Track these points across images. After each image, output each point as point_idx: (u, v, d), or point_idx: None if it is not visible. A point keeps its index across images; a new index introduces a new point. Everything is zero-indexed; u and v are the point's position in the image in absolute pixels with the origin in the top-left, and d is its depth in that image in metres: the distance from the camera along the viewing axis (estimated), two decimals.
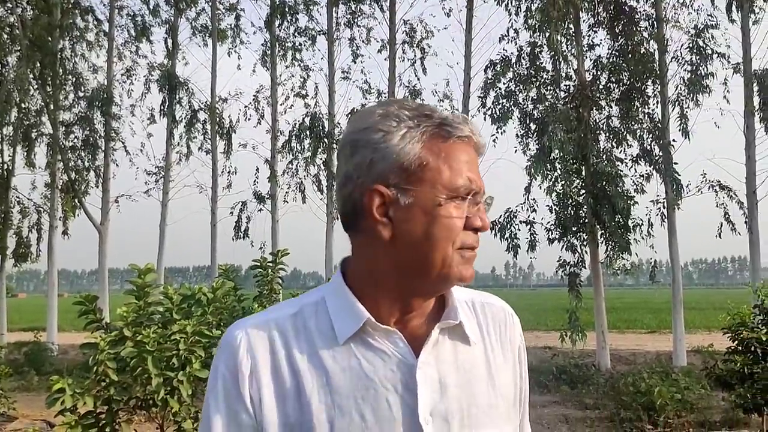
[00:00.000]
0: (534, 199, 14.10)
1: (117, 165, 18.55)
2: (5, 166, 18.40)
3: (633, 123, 14.17)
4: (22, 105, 18.02)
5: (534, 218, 14.08)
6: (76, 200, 17.94)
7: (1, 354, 10.74)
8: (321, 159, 16.78)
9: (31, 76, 17.43)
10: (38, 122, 18.48)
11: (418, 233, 1.02)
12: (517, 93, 14.56)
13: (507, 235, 13.82)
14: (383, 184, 1.02)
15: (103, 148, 18.24)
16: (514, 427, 1.18)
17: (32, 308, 44.73)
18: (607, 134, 14.29)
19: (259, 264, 6.38)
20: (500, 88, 14.62)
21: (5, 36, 17.70)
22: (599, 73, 14.56)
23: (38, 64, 17.38)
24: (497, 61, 14.71)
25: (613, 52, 14.46)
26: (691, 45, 14.31)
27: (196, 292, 5.05)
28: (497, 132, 14.55)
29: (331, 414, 1.02)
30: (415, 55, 16.74)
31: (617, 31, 14.33)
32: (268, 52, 17.81)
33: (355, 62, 17.30)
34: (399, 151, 1.02)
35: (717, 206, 13.90)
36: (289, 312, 1.10)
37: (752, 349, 7.30)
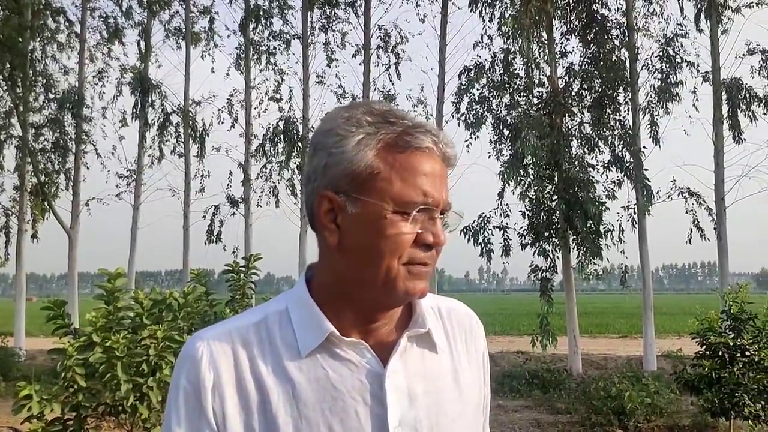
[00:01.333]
0: (507, 204, 14.22)
1: (88, 168, 18.30)
2: None
3: (604, 130, 14.33)
4: None
5: (507, 223, 14.19)
6: (46, 203, 17.68)
7: None
8: (295, 163, 16.75)
9: (0, 77, 17.16)
10: (7, 124, 18.16)
11: (362, 244, 1.00)
12: (491, 99, 14.66)
13: (480, 240, 13.90)
14: (333, 189, 1.01)
15: (73, 151, 17.99)
16: None
17: (0, 313, 43.89)
18: (579, 140, 14.44)
19: (231, 269, 6.33)
20: (474, 94, 14.73)
21: None
22: (572, 80, 14.71)
23: (8, 65, 17.09)
24: (471, 67, 14.82)
25: (585, 59, 14.63)
26: (661, 53, 14.53)
27: (167, 297, 5.02)
28: (471, 137, 14.69)
29: (299, 427, 0.99)
30: (389, 60, 16.78)
31: (589, 38, 14.50)
32: (243, 56, 17.73)
33: (329, 67, 17.29)
34: (352, 158, 0.99)
35: (686, 212, 14.13)
36: (252, 321, 1.07)
37: (720, 353, 7.42)
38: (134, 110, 17.89)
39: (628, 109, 14.58)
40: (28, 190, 17.99)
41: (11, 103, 17.62)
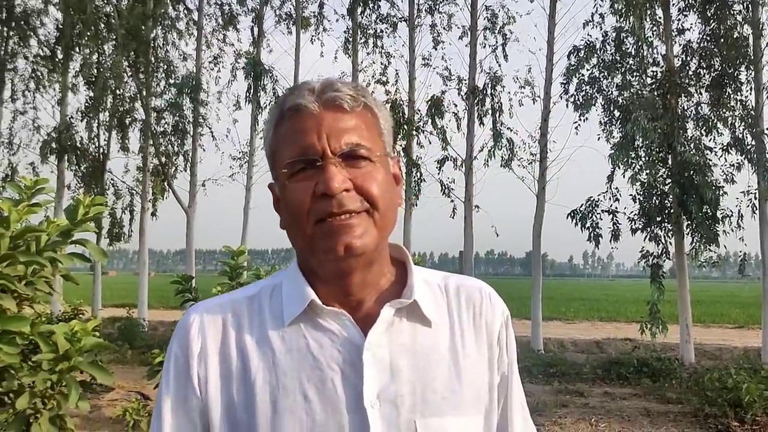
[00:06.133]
0: (617, 188, 13.82)
1: (204, 150, 19.14)
2: (101, 150, 19.38)
3: (724, 110, 13.68)
4: (117, 92, 18.85)
5: (617, 207, 13.83)
6: (166, 183, 18.67)
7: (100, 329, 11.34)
8: (401, 145, 16.89)
9: (126, 64, 18.15)
10: (132, 108, 19.30)
11: (285, 218, 1.07)
12: (601, 79, 14.26)
13: (588, 224, 13.62)
14: (272, 181, 1.12)
15: (191, 134, 18.85)
16: (486, 416, 1.10)
17: (122, 286, 46.81)
18: (696, 122, 13.85)
19: None
20: (583, 75, 14.36)
21: (102, 25, 18.52)
22: (689, 58, 14.10)
23: (132, 53, 18.08)
24: (581, 46, 14.44)
25: (704, 36, 13.97)
26: None
27: None
28: (580, 119, 14.35)
29: (275, 394, 1.01)
30: (496, 42, 16.54)
31: (709, 14, 13.83)
32: (350, 40, 17.99)
33: (435, 49, 17.25)
34: (267, 149, 1.10)
35: None
36: (247, 294, 1.12)
37: None
38: (247, 94, 18.48)
39: (751, 89, 13.82)
40: (150, 170, 19.07)
41: (135, 89, 18.70)
